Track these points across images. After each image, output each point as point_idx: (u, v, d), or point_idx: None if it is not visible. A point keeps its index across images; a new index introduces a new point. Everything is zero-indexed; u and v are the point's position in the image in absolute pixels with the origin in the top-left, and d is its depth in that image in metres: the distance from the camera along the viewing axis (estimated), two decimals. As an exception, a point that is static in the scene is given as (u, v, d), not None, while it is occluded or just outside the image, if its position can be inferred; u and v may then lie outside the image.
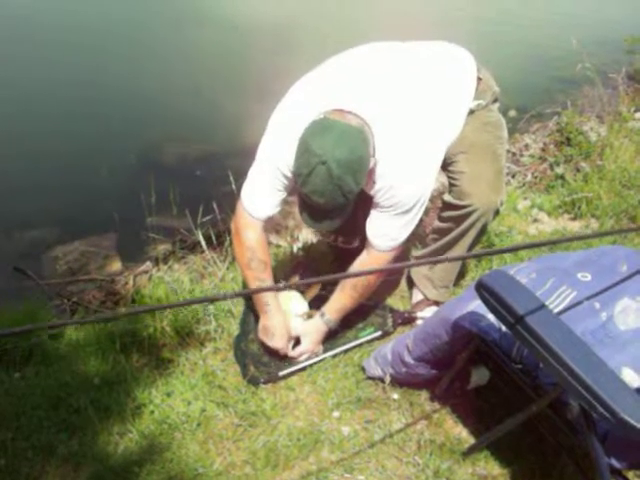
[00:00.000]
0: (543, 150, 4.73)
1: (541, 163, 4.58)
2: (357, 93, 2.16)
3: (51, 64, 6.09)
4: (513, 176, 4.43)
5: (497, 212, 2.55)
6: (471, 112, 2.48)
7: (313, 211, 2.13)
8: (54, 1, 7.71)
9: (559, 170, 4.35)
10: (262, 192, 2.42)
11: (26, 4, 7.61)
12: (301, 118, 2.15)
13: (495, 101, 2.60)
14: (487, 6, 8.31)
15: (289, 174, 2.29)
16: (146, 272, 3.54)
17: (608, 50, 6.93)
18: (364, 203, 2.34)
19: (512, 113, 5.17)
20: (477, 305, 2.06)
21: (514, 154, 4.74)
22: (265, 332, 2.59)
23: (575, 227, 3.79)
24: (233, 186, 3.11)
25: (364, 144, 2.07)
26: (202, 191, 3.87)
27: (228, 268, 3.21)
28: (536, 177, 4.42)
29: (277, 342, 2.57)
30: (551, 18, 7.96)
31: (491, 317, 2.00)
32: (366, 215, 2.38)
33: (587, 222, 3.81)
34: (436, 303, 2.84)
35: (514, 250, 1.17)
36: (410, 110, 2.23)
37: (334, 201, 2.06)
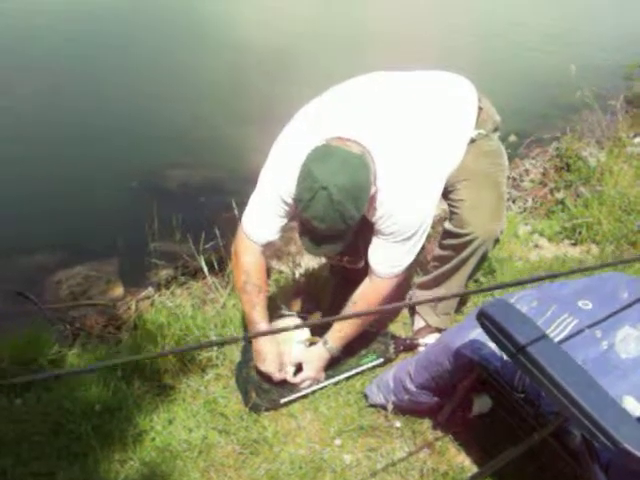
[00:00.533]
0: (543, 175, 4.77)
1: (541, 188, 4.61)
2: (358, 121, 2.19)
3: (52, 90, 6.12)
4: (514, 201, 4.45)
5: (497, 240, 2.57)
6: (472, 141, 2.51)
7: (314, 236, 2.15)
8: (54, 23, 7.74)
9: (559, 195, 4.38)
10: (262, 217, 2.44)
11: (26, 28, 7.66)
12: (302, 146, 2.17)
13: (496, 130, 2.62)
14: (484, 32, 8.39)
15: (290, 200, 2.31)
16: (148, 297, 3.56)
17: (606, 75, 7.00)
18: (366, 228, 2.36)
19: (512, 138, 5.20)
20: (479, 333, 2.07)
21: (514, 179, 4.77)
22: (257, 356, 2.60)
23: (576, 253, 3.81)
24: (236, 212, 3.13)
25: (365, 171, 2.09)
26: (205, 217, 3.89)
27: (230, 294, 3.22)
28: (537, 202, 4.44)
29: (269, 366, 2.57)
30: (548, 47, 8.04)
31: (493, 345, 2.00)
32: (368, 241, 2.40)
33: (588, 247, 3.83)
34: (438, 330, 2.85)
35: (513, 285, 1.18)
36: (411, 139, 2.25)
37: (335, 227, 2.08)
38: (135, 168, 4.96)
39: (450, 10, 8.78)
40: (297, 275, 3.34)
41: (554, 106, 6.23)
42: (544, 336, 1.80)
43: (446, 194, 2.52)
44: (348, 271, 2.78)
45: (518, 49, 7.79)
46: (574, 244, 3.92)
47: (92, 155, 5.16)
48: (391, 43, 7.20)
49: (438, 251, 2.68)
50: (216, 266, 3.41)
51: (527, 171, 4.86)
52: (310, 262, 3.43)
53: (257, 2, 8.49)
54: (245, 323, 2.73)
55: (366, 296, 2.46)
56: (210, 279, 3.35)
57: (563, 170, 4.70)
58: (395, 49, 6.84)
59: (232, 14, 8.08)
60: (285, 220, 2.42)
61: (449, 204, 2.56)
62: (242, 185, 4.28)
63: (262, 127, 4.99)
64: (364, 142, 2.13)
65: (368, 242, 2.39)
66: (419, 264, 3.07)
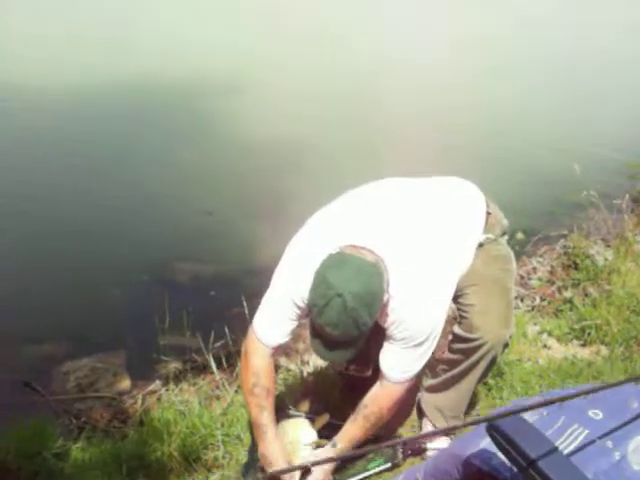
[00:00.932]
0: (551, 273, 4.79)
1: (549, 286, 4.63)
2: (371, 230, 2.25)
3: (59, 185, 6.24)
4: (522, 299, 4.46)
5: (506, 345, 2.58)
6: (480, 245, 2.55)
7: (326, 342, 2.17)
8: (55, 123, 7.95)
9: (567, 294, 4.39)
10: (273, 320, 2.46)
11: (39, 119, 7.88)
12: (317, 252, 2.22)
13: (504, 234, 2.68)
14: (488, 128, 8.61)
15: (302, 304, 2.34)
16: (155, 392, 3.55)
17: (610, 173, 7.13)
18: (378, 333, 2.38)
19: (519, 236, 5.27)
20: (489, 443, 2.04)
21: (522, 277, 4.80)
22: (264, 460, 2.56)
23: (585, 354, 3.79)
24: (245, 308, 3.16)
25: (379, 279, 2.14)
26: (214, 311, 3.93)
27: (237, 391, 3.21)
28: (544, 300, 4.45)
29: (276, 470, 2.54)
30: (551, 143, 8.23)
31: (503, 456, 1.99)
32: (379, 345, 2.41)
33: (597, 349, 3.81)
34: (446, 434, 2.82)
35: (526, 410, 1.19)
36: (422, 246, 2.31)
37: (348, 333, 2.10)
38: (146, 260, 5.03)
39: (453, 105, 9.02)
40: (305, 374, 3.33)
41: (560, 203, 6.32)
42: (555, 449, 1.78)
43: (455, 298, 2.55)
44: (353, 379, 2.79)
45: (522, 145, 7.97)
46: (583, 345, 3.90)
47: (102, 247, 5.26)
48: (396, 143, 7.38)
49: (447, 354, 2.68)
50: (224, 362, 3.41)
51: (535, 269, 4.89)
52: (318, 360, 3.42)
53: (260, 100, 8.77)
54: (252, 425, 2.71)
55: (377, 400, 2.45)
56: (218, 375, 3.35)
57: (571, 268, 4.72)
58: (400, 149, 7.02)
59: (238, 112, 8.33)
60: (296, 323, 2.44)
61: (458, 308, 2.58)
62: (252, 279, 4.37)
63: (272, 222, 5.14)
64: (377, 250, 2.19)
65: (379, 347, 2.40)
66: (427, 366, 3.06)
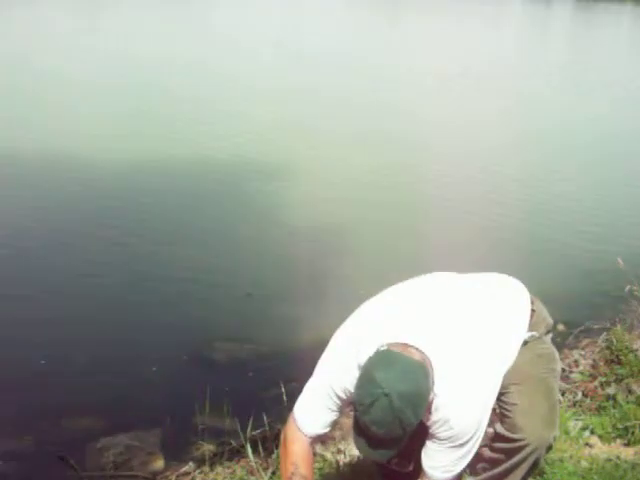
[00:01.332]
0: (593, 367, 4.70)
1: (591, 381, 4.53)
2: (418, 327, 2.26)
3: (105, 259, 6.38)
4: (563, 394, 4.36)
5: (550, 447, 2.53)
6: (525, 343, 2.54)
7: (369, 440, 2.15)
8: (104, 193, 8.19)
9: (610, 390, 4.29)
10: (314, 409, 2.45)
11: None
12: (363, 346, 2.23)
13: (548, 332, 2.66)
14: (527, 215, 8.64)
15: (344, 396, 2.34)
16: (188, 473, 3.52)
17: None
18: (421, 429, 2.35)
19: (560, 327, 5.20)
20: None
21: (563, 370, 4.70)
22: None
23: (630, 454, 3.68)
24: (283, 393, 3.16)
25: (425, 379, 2.13)
26: (251, 394, 3.92)
27: (272, 478, 3.17)
28: (586, 396, 4.35)
29: None
30: (593, 228, 8.21)
31: None
32: (422, 441, 2.38)
33: (642, 450, 3.70)
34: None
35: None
36: (468, 344, 2.30)
37: (392, 433, 2.09)
38: (185, 340, 5.07)
39: (496, 197, 9.06)
40: (341, 463, 3.28)
41: (602, 296, 6.24)
42: None
43: (498, 396, 2.51)
44: (394, 473, 2.74)
45: (563, 235, 7.94)
46: (627, 444, 3.79)
47: (144, 325, 5.34)
48: (437, 228, 7.42)
49: (488, 453, 2.63)
50: (260, 446, 3.38)
51: (576, 362, 4.81)
52: (355, 450, 3.37)
53: (303, 182, 8.95)
54: None
55: None
56: (252, 459, 3.32)
57: (613, 363, 4.62)
58: (441, 235, 7.06)
59: (280, 193, 8.50)
60: (337, 414, 2.43)
61: (501, 406, 2.55)
62: (289, 363, 4.38)
63: (312, 306, 5.18)
64: (424, 348, 2.19)
65: (422, 443, 2.37)
66: (468, 464, 3.00)
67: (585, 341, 5.21)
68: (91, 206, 7.70)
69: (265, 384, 4.01)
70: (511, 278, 2.70)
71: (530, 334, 2.56)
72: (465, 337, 2.32)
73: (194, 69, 16.36)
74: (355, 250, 6.64)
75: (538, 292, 2.73)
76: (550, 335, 2.69)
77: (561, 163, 11.11)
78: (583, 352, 4.98)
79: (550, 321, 2.67)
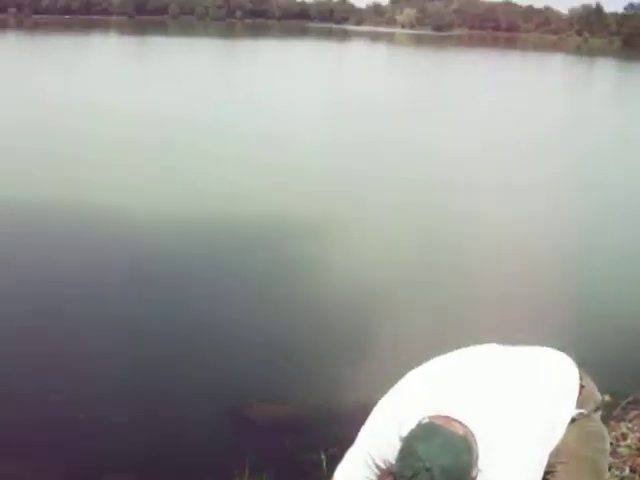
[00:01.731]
0: (641, 443, 4.54)
1: (639, 455, 4.38)
2: (463, 400, 2.23)
3: (144, 314, 6.55)
4: (609, 469, 4.22)
5: (597, 528, 2.43)
6: (572, 420, 2.47)
7: None
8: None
9: (659, 472, 4.14)
10: (354, 478, 2.42)
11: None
12: (405, 417, 2.21)
13: (597, 410, 2.59)
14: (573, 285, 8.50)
15: (384, 466, 2.32)
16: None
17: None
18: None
19: (607, 398, 5.05)
20: None
21: (610, 443, 4.55)
22: None
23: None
24: (324, 461, 3.11)
25: (468, 453, 2.09)
26: (292, 459, 3.86)
27: None
28: (634, 471, 4.20)
29: None
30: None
31: None
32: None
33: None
34: None
35: None
36: (514, 420, 2.25)
37: None
38: (224, 400, 5.10)
39: (540, 265, 8.95)
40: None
41: (649, 365, 6.08)
42: None
43: (544, 474, 2.44)
44: None
45: (609, 304, 7.78)
46: (678, 526, 3.63)
47: (183, 384, 5.36)
48: (479, 295, 7.37)
49: (534, 533, 2.54)
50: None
51: (624, 435, 4.65)
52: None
53: (344, 243, 8.98)
54: None
55: None
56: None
57: (662, 436, 4.47)
58: (483, 302, 6.99)
59: (321, 253, 8.54)
60: None
61: (547, 485, 2.47)
62: (329, 427, 4.31)
63: (352, 369, 5.11)
64: (468, 422, 2.15)
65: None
66: None
67: (633, 413, 5.05)
68: (134, 264, 7.88)
69: (305, 449, 3.94)
70: (560, 353, 2.64)
71: (578, 411, 2.49)
72: (511, 412, 2.27)
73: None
74: (400, 314, 6.59)
75: (584, 361, 2.67)
76: (599, 412, 2.61)
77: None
78: (631, 425, 4.83)
79: (599, 398, 2.60)
